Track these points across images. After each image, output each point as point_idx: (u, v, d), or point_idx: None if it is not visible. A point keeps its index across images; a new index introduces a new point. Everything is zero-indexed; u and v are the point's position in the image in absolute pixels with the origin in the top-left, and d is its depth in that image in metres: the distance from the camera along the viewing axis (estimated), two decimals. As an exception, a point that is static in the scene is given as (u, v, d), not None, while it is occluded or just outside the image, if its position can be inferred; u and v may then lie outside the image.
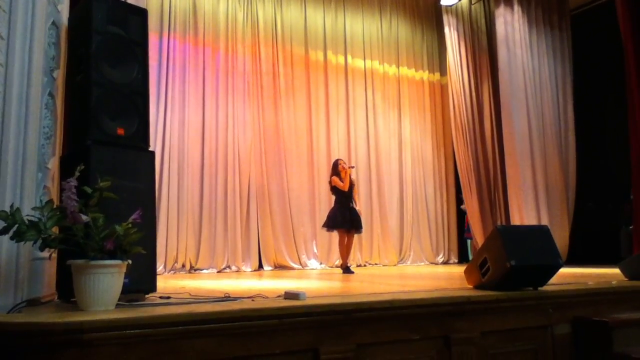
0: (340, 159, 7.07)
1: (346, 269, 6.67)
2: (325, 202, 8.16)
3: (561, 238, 8.01)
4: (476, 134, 9.36)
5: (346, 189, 6.68)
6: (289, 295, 2.81)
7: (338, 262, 7.33)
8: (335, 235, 7.17)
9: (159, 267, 7.05)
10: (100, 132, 2.92)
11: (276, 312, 2.46)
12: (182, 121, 7.90)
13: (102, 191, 2.47)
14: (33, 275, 2.65)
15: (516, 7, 8.73)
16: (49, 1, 2.93)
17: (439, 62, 10.50)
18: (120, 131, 3.00)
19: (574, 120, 8.84)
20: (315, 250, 8.58)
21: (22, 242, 2.35)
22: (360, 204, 7.09)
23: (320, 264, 8.51)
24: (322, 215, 7.58)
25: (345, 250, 6.80)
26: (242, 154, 8.29)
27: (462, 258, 10.00)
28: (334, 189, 6.79)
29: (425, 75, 10.38)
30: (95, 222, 2.39)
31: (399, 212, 9.68)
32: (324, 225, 6.88)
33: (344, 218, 6.64)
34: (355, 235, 8.01)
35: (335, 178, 6.76)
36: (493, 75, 9.28)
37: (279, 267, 8.24)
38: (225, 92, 8.29)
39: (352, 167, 7.01)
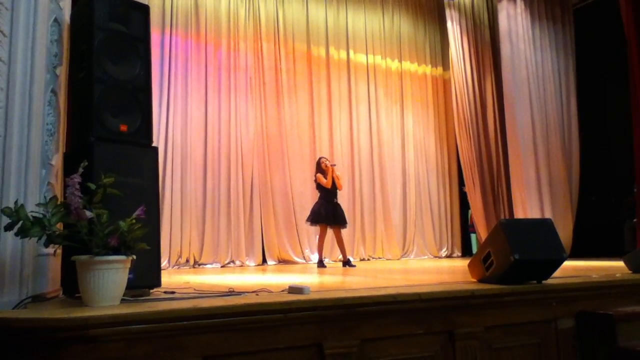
0: (323, 157, 7.34)
1: (320, 263, 6.97)
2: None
3: (565, 231, 8.00)
4: (479, 128, 9.35)
5: (329, 186, 6.93)
6: (293, 289, 2.81)
7: (340, 256, 7.36)
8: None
9: (163, 263, 7.07)
10: (103, 128, 2.92)
11: (280, 306, 2.46)
12: (185, 117, 7.91)
13: (105, 187, 2.47)
14: (38, 272, 2.66)
15: (519, 1, 8.70)
16: (51, -2, 2.93)
17: (442, 57, 10.47)
18: (123, 128, 3.00)
19: (577, 114, 8.82)
20: (319, 245, 8.58)
21: (27, 239, 2.36)
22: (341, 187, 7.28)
23: (324, 258, 8.50)
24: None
25: (321, 245, 7.09)
26: (244, 150, 8.30)
27: (466, 252, 10.00)
28: (319, 186, 7.04)
29: (427, 69, 10.35)
30: (99, 218, 2.40)
31: (402, 207, 9.67)
32: (307, 220, 7.12)
33: (327, 213, 6.88)
34: (358, 230, 8.02)
35: (319, 175, 7.03)
36: (496, 69, 9.26)
37: (283, 261, 8.26)
38: (228, 88, 8.29)
39: (334, 165, 7.17)
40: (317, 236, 8.49)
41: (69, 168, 2.88)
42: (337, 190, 7.06)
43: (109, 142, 2.92)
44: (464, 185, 9.77)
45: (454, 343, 2.91)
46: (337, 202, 7.02)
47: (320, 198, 7.03)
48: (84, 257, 2.37)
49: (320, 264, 6.97)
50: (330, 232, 7.23)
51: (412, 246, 9.61)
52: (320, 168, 7.08)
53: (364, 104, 9.54)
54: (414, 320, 2.81)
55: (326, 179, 6.93)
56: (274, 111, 8.66)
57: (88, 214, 2.38)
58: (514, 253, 3.09)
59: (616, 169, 8.26)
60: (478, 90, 9.44)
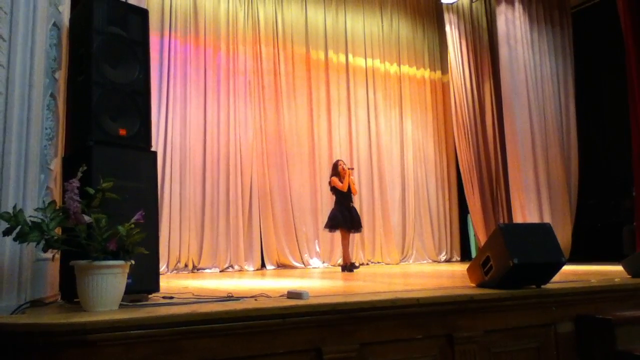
0: (340, 160, 7.20)
1: (350, 267, 6.72)
2: (327, 201, 8.15)
3: (564, 235, 8.00)
4: (478, 131, 9.36)
5: (345, 190, 6.81)
6: (292, 294, 2.81)
7: (340, 260, 7.34)
8: (337, 234, 7.17)
9: (162, 267, 7.06)
10: (102, 132, 2.92)
11: (279, 311, 2.46)
12: (184, 121, 7.90)
13: (104, 192, 2.47)
14: (36, 276, 2.66)
15: (517, 5, 8.72)
16: (50, 2, 2.93)
17: (440, 60, 10.48)
18: (122, 131, 3.00)
19: (575, 117, 8.83)
20: (318, 249, 8.58)
21: (25, 243, 2.36)
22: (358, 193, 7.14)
23: (323, 262, 8.51)
24: (324, 214, 7.59)
25: (346, 250, 6.86)
26: (243, 153, 8.29)
27: (465, 256, 9.99)
28: (334, 189, 6.92)
29: (426, 73, 10.36)
30: (97, 223, 2.39)
31: (401, 211, 9.67)
32: (325, 226, 6.97)
33: (345, 218, 6.75)
34: (357, 234, 7.97)
35: (334, 179, 6.89)
36: (494, 73, 9.27)
37: (282, 266, 8.24)
38: (227, 91, 8.29)
39: (352, 168, 7.09)
40: (317, 240, 8.58)
41: (67, 172, 2.88)
42: (352, 195, 6.94)
43: (107, 146, 2.92)
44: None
45: (453, 347, 2.91)
46: (353, 206, 6.92)
47: (335, 203, 6.91)
48: (82, 262, 2.36)
49: (351, 266, 6.73)
50: (336, 233, 7.15)
51: (411, 250, 9.60)
52: (336, 170, 6.95)
53: (363, 107, 9.54)
54: (413, 325, 2.81)
55: (342, 182, 6.81)
56: (273, 115, 8.66)
57: (87, 218, 2.38)
58: (513, 257, 3.09)
59: (615, 172, 8.27)
60: (477, 94, 9.46)
